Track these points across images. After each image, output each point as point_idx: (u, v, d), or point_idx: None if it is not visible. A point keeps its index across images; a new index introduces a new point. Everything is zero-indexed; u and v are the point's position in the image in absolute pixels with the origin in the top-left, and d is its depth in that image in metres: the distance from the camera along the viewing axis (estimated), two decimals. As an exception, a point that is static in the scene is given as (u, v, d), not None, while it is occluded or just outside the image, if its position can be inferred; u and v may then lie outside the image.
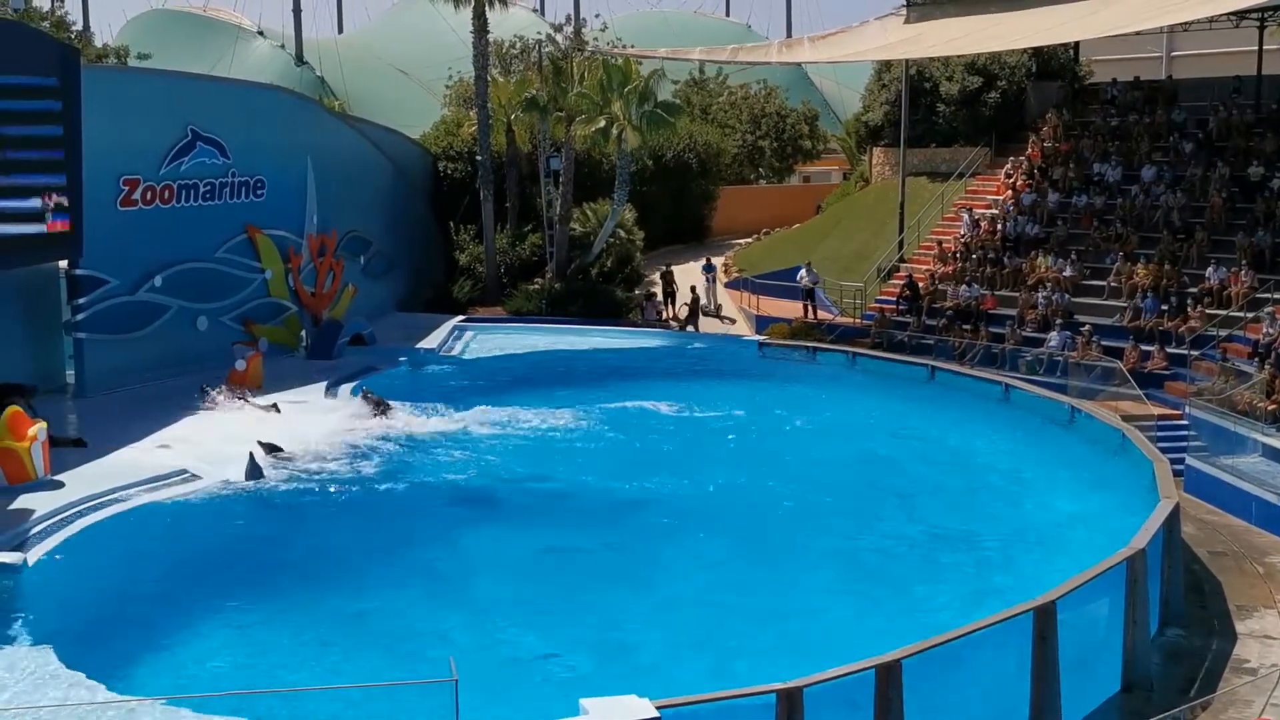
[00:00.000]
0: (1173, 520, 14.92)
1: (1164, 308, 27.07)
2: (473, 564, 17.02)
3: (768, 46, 47.72)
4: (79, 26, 50.43)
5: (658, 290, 35.11)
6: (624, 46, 47.74)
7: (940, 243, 33.15)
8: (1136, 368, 25.57)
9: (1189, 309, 26.67)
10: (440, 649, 13.39)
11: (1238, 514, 19.43)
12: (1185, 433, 22.09)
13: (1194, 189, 30.27)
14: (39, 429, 18.32)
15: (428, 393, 25.36)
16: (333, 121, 32.74)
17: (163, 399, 23.27)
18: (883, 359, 27.60)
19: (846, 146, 50.87)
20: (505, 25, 49.02)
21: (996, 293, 30.14)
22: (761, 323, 32.68)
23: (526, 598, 15.61)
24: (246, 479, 19.17)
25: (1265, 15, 32.32)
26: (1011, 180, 34.27)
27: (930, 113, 37.70)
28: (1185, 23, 32.28)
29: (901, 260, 34.09)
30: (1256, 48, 33.39)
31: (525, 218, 35.90)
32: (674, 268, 36.81)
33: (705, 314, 34.64)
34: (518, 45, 49.88)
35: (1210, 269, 27.22)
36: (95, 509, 17.31)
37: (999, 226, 32.29)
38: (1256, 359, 23.11)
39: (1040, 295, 28.96)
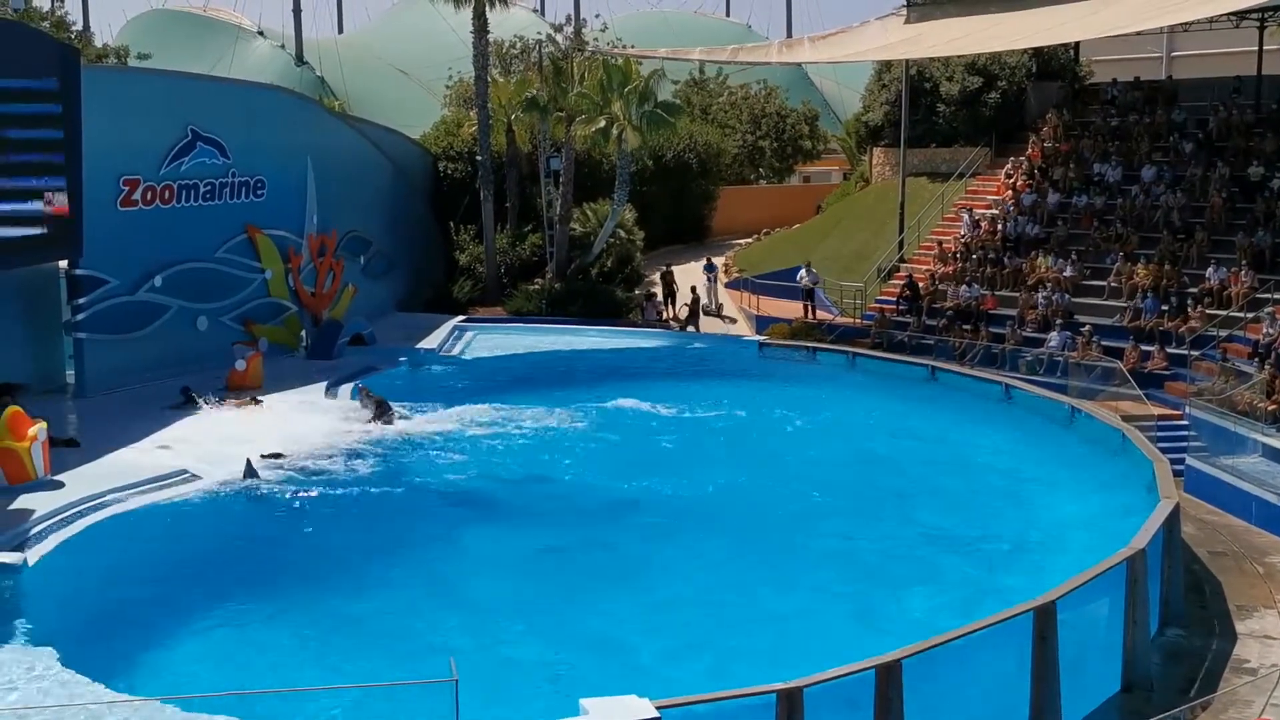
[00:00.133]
0: (1173, 520, 14.92)
1: (1164, 308, 27.06)
2: (473, 564, 17.01)
3: (768, 47, 47.71)
4: (79, 26, 50.45)
5: (658, 290, 35.10)
6: (624, 46, 47.74)
7: (940, 243, 33.15)
8: (1136, 368, 25.57)
9: (1189, 309, 26.67)
10: (440, 649, 13.39)
11: (1238, 514, 19.43)
12: (1185, 433, 22.09)
13: (1194, 189, 30.27)
14: (39, 429, 18.32)
15: (428, 393, 25.36)
16: (333, 121, 32.74)
17: (163, 399, 23.29)
18: (883, 359, 27.60)
19: (846, 146, 50.86)
20: (505, 25, 49.00)
21: (997, 293, 30.14)
22: (761, 323, 32.67)
23: (526, 598, 15.61)
24: (244, 478, 19.20)
25: (1265, 15, 32.32)
26: (1012, 180, 34.28)
27: (930, 113, 37.70)
28: (1185, 23, 32.27)
29: (901, 260, 34.09)
30: (1256, 48, 33.40)
31: (525, 218, 35.90)
32: (674, 268, 36.81)
33: (707, 313, 34.66)
34: (518, 45, 49.88)
35: (1210, 269, 27.22)
36: (95, 509, 17.32)
37: (999, 227, 32.30)
38: (1256, 359, 23.11)
39: (1040, 295, 28.96)
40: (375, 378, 25.87)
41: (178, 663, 13.66)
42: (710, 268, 36.69)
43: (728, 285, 37.47)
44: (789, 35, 76.87)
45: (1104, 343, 26.63)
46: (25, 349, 23.52)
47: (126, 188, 24.55)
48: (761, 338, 30.37)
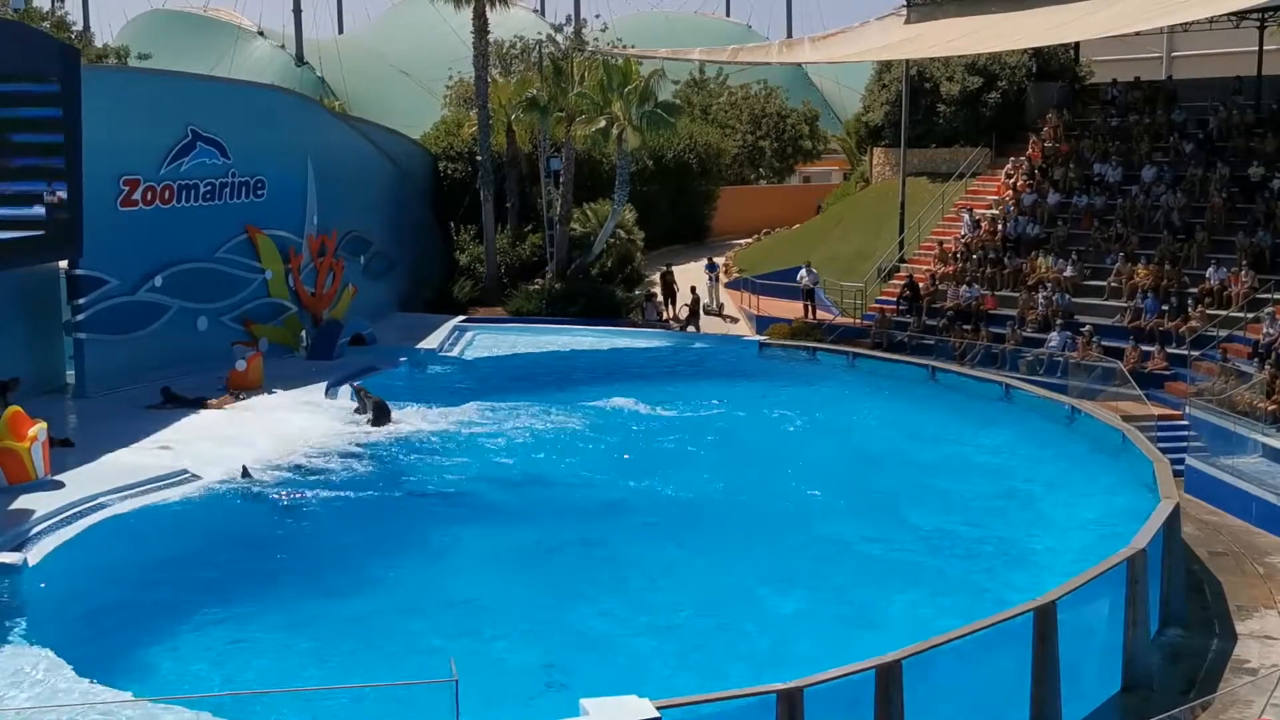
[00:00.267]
0: (1173, 520, 14.92)
1: (1164, 308, 27.06)
2: (473, 564, 17.00)
3: (768, 47, 47.77)
4: (79, 27, 50.48)
5: (658, 290, 35.11)
6: (624, 46, 47.73)
7: (940, 243, 33.15)
8: (1137, 368, 25.57)
9: (1189, 309, 26.67)
10: (440, 649, 13.38)
11: (1238, 514, 19.43)
12: (1185, 433, 22.07)
13: (1194, 189, 30.27)
14: (39, 429, 18.31)
15: (428, 393, 25.36)
16: (333, 122, 32.73)
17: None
18: (883, 359, 27.60)
19: (847, 147, 50.87)
20: (505, 25, 49.04)
21: (997, 293, 30.14)
22: (762, 323, 32.68)
23: (526, 597, 15.60)
24: (242, 477, 19.23)
25: (1265, 15, 32.33)
26: (1012, 180, 34.28)
27: (930, 113, 37.70)
28: (1185, 23, 32.27)
29: (902, 260, 34.10)
30: (1256, 48, 33.40)
31: (525, 218, 35.91)
32: (674, 268, 36.82)
33: (708, 313, 34.69)
34: (518, 45, 49.91)
35: (1210, 269, 27.22)
36: (95, 509, 17.30)
37: (999, 227, 32.29)
38: (1257, 359, 23.10)
39: (1041, 295, 28.96)
40: (375, 378, 25.88)
41: (178, 663, 13.64)
42: (712, 267, 36.74)
43: (728, 285, 37.49)
44: (789, 35, 76.91)
45: (1104, 343, 26.64)
46: (25, 349, 23.49)
47: (127, 188, 24.53)
48: (761, 338, 30.36)
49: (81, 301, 23.89)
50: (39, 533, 16.27)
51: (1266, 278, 26.23)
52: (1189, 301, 26.91)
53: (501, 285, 34.19)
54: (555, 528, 18.17)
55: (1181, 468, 20.46)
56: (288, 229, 28.37)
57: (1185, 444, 21.54)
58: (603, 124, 32.71)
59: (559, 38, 51.52)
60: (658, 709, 9.47)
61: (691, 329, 32.92)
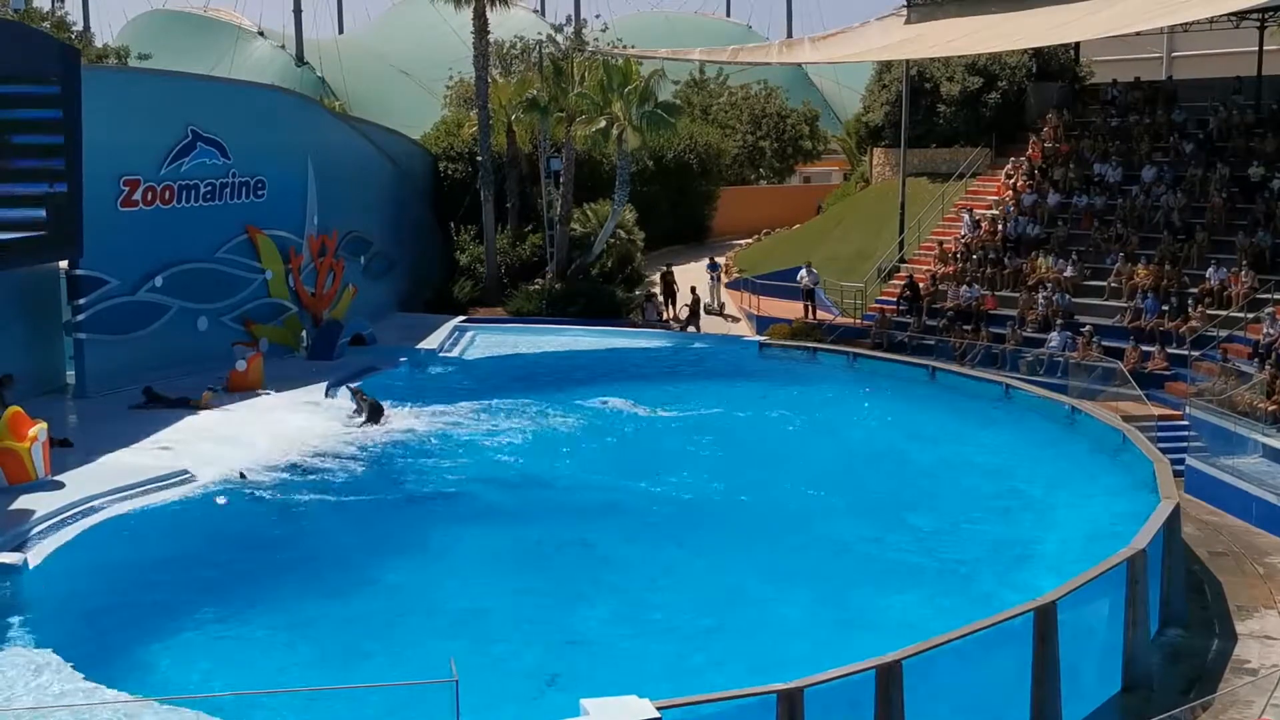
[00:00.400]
0: (1173, 520, 14.92)
1: (1164, 308, 27.07)
2: (473, 564, 17.00)
3: (768, 47, 47.76)
4: (79, 27, 50.49)
5: (658, 291, 35.11)
6: (624, 47, 47.74)
7: (941, 243, 33.15)
8: (1137, 368, 25.57)
9: (1189, 309, 26.67)
10: (440, 649, 13.38)
11: (1238, 514, 19.43)
12: (1186, 433, 22.08)
13: (1194, 189, 30.27)
14: (39, 429, 18.31)
15: (428, 393, 25.35)
16: (333, 122, 32.72)
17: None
18: (883, 359, 27.60)
19: (847, 147, 50.87)
20: (505, 25, 49.05)
21: (997, 293, 30.14)
22: (762, 323, 32.68)
23: (526, 597, 15.60)
24: (240, 477, 19.23)
25: (1265, 15, 32.32)
26: (1012, 181, 34.28)
27: (931, 113, 37.70)
28: (1185, 23, 32.27)
29: (902, 261, 34.10)
30: (1256, 48, 33.40)
31: (525, 218, 35.91)
32: (674, 268, 36.82)
33: (710, 312, 34.69)
34: (518, 45, 49.90)
35: (1210, 269, 27.22)
36: (95, 509, 17.31)
37: (999, 227, 32.29)
38: (1257, 359, 23.11)
39: (1041, 296, 28.96)
40: (375, 378, 25.88)
41: (178, 663, 13.65)
42: (714, 267, 36.76)
43: (728, 285, 37.50)
44: (789, 35, 76.91)
45: (1104, 343, 26.64)
46: (25, 349, 23.48)
47: (127, 188, 24.53)
48: (762, 338, 30.37)
49: (82, 302, 23.89)
50: (39, 533, 16.27)
51: (1266, 278, 26.23)
52: (1189, 302, 26.91)
53: (501, 285, 34.19)
54: (555, 528, 18.18)
55: (1182, 468, 20.46)
56: (288, 229, 28.37)
57: (1185, 444, 21.54)
58: (603, 124, 32.71)
59: (559, 38, 51.53)
60: (658, 709, 9.47)
61: (691, 329, 32.92)
